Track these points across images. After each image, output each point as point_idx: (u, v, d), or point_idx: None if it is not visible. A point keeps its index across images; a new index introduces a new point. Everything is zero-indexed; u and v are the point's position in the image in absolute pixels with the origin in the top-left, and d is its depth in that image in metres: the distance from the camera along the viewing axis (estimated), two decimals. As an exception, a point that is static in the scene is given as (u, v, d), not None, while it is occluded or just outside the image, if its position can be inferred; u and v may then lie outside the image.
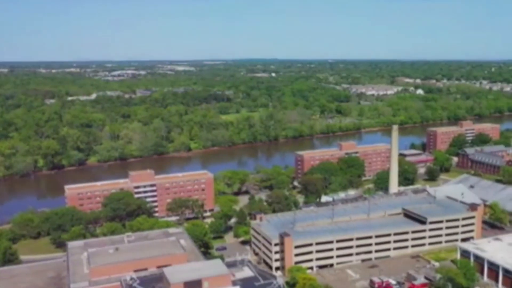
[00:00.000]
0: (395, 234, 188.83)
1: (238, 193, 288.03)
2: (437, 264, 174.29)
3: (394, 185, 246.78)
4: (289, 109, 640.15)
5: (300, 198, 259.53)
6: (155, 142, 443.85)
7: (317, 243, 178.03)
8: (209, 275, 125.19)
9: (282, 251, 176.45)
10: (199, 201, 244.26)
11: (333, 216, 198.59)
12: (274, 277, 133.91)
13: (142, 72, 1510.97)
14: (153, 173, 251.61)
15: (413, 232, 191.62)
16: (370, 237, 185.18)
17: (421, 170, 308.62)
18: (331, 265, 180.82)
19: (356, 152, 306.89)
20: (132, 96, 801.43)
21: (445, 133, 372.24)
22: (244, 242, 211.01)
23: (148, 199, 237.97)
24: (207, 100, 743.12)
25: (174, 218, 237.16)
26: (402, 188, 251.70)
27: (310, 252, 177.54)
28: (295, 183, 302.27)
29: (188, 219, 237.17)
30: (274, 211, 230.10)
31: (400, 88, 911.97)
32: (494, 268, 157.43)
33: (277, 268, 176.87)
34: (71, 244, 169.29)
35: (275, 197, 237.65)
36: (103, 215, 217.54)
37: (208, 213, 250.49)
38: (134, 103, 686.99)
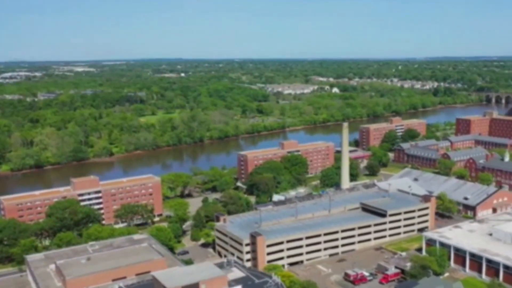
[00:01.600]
0: (359, 227, 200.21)
1: (181, 196, 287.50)
2: (404, 254, 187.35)
3: (346, 181, 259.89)
4: (209, 109, 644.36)
5: (249, 198, 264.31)
6: (74, 147, 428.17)
7: (288, 241, 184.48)
8: (206, 278, 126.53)
9: (253, 251, 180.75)
10: (149, 206, 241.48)
11: (297, 214, 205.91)
12: (269, 276, 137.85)
13: (38, 74, 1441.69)
14: (98, 179, 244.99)
15: (375, 225, 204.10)
16: (336, 232, 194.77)
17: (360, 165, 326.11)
18: (301, 261, 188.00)
19: (298, 151, 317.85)
20: (35, 99, 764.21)
21: (377, 130, 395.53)
22: (204, 245, 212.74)
23: (94, 207, 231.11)
24: (120, 102, 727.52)
25: (122, 225, 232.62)
26: (352, 184, 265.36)
27: (281, 250, 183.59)
28: (239, 184, 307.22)
29: (136, 225, 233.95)
30: (229, 213, 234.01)
31: (316, 87, 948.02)
32: (460, 254, 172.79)
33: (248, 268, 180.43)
34: (31, 258, 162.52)
35: (229, 198, 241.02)
36: (48, 226, 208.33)
37: (157, 218, 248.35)
38: (39, 107, 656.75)
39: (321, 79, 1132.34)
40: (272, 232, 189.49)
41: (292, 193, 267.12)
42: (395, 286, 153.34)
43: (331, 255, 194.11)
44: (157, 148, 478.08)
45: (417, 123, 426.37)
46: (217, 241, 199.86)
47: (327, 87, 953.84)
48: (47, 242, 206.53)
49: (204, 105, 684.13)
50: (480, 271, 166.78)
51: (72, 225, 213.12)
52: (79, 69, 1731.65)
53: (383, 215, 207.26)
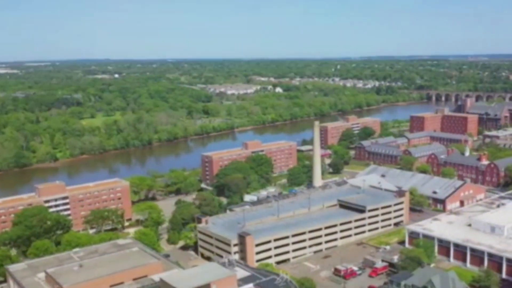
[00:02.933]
0: (341, 224, 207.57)
1: (145, 200, 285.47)
2: (388, 247, 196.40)
3: (318, 179, 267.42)
4: (153, 111, 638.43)
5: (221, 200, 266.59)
6: (16, 153, 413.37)
7: (275, 240, 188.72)
8: (216, 278, 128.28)
9: (242, 251, 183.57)
10: (119, 211, 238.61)
11: (279, 213, 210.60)
12: (275, 274, 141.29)
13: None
14: (64, 184, 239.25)
15: (355, 221, 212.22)
16: (320, 229, 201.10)
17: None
18: (288, 259, 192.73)
19: (262, 150, 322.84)
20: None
21: (334, 128, 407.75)
22: (183, 248, 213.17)
23: (61, 213, 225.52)
24: (55, 105, 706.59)
25: (91, 231, 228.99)
26: (323, 181, 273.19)
27: (269, 249, 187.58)
28: (203, 185, 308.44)
29: (106, 230, 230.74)
30: (204, 214, 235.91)
31: (258, 87, 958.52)
32: (444, 245, 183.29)
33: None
34: (13, 268, 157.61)
35: (203, 200, 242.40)
36: (17, 235, 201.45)
37: (126, 223, 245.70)
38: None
39: (262, 79, 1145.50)
40: (258, 231, 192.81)
41: (263, 193, 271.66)
42: (391, 278, 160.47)
43: (315, 252, 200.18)
44: (104, 152, 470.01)
45: (372, 121, 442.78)
46: (200, 242, 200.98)
47: (269, 87, 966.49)
48: (13, 252, 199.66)
49: (147, 107, 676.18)
50: (464, 261, 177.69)
51: (42, 233, 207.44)
52: (1, 71, 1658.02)
53: (362, 211, 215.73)
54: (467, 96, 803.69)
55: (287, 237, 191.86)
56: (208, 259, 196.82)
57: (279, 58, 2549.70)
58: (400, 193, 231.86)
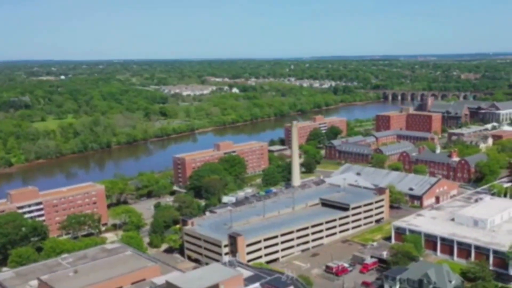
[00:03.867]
0: (327, 222, 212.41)
1: (117, 203, 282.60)
2: (375, 244, 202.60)
3: (297, 178, 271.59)
4: (109, 113, 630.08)
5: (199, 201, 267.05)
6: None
7: (265, 239, 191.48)
8: (224, 279, 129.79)
9: (232, 252, 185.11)
10: (96, 215, 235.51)
11: (265, 213, 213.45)
12: (280, 272, 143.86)
13: None
14: (37, 189, 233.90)
15: (340, 218, 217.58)
16: (307, 228, 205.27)
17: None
18: (277, 259, 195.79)
19: (234, 151, 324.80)
20: None
21: (302, 128, 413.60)
22: (167, 251, 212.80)
23: (36, 219, 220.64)
24: (3, 108, 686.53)
25: (65, 237, 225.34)
26: (301, 181, 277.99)
27: (259, 249, 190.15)
28: (176, 188, 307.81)
29: (83, 236, 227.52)
30: (184, 216, 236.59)
31: (214, 88, 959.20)
32: (431, 239, 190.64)
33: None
34: (2, 276, 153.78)
35: (182, 202, 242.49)
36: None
37: (102, 228, 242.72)
38: None
39: (217, 79, 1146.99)
40: (246, 231, 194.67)
41: (241, 193, 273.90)
42: (386, 273, 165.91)
43: (303, 250, 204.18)
44: (61, 156, 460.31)
45: (338, 121, 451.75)
46: (187, 245, 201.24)
47: (226, 87, 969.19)
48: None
49: (101, 109, 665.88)
50: (451, 254, 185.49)
51: (18, 240, 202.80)
52: None
53: (346, 209, 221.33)
54: (422, 95, 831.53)
55: (276, 237, 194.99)
56: (196, 261, 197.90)
57: (230, 58, 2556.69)
58: (380, 190, 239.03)
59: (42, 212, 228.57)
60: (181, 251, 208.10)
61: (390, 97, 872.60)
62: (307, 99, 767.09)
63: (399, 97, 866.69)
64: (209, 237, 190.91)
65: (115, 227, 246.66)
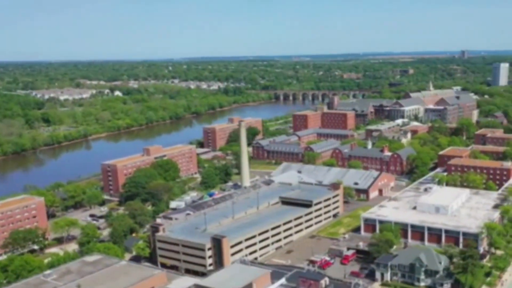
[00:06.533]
0: (295, 219, 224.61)
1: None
2: (347, 236, 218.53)
3: (246, 179, 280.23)
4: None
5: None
6: None
7: (246, 239, 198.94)
8: (255, 277, 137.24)
9: (217, 254, 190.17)
10: (39, 230, 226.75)
11: (234, 214, 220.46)
12: (297, 267, 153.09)
13: None
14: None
15: (306, 215, 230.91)
16: (279, 226, 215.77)
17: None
18: (255, 258, 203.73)
19: (164, 155, 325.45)
20: None
21: (221, 130, 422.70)
22: (134, 259, 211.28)
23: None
24: None
25: (6, 256, 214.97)
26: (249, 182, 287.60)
27: (241, 250, 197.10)
28: (106, 197, 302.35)
29: (28, 252, 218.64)
30: (140, 224, 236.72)
31: (94, 91, 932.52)
32: (402, 227, 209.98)
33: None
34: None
35: (134, 210, 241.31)
36: None
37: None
38: None
39: (93, 82, 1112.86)
40: (223, 233, 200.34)
41: (187, 198, 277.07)
42: (377, 260, 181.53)
43: (277, 248, 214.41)
44: None
45: (255, 121, 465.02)
46: (161, 252, 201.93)
47: (106, 90, 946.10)
48: None
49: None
50: (422, 240, 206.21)
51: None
52: None
53: (308, 205, 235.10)
54: (313, 94, 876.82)
55: (254, 236, 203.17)
56: (173, 268, 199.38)
57: (96, 60, 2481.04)
58: (334, 186, 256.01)
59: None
60: (150, 259, 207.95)
61: (281, 97, 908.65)
62: (200, 101, 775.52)
63: (291, 97, 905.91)
64: (190, 242, 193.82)
65: (58, 241, 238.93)
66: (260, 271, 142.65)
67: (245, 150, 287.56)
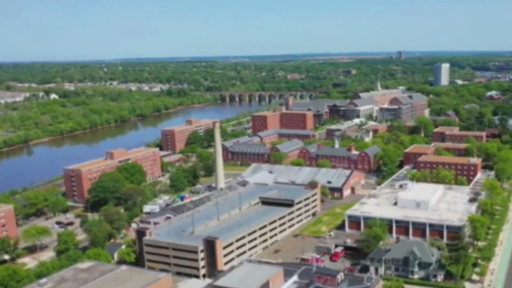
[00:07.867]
0: (279, 219, 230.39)
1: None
2: (332, 233, 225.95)
3: (221, 180, 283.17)
4: None
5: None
6: None
7: (236, 240, 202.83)
8: (271, 275, 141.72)
9: (209, 256, 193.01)
10: (11, 239, 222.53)
11: (219, 215, 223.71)
12: (307, 264, 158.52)
13: None
14: None
15: (288, 214, 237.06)
16: (265, 226, 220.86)
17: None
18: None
19: (129, 159, 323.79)
20: None
21: (180, 132, 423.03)
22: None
23: None
24: None
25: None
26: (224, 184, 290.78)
27: (232, 251, 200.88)
28: (71, 203, 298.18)
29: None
30: (117, 229, 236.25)
31: (28, 94, 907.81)
32: (386, 223, 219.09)
33: (203, 275, 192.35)
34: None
35: (111, 215, 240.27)
36: None
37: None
38: None
39: (25, 85, 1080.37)
40: (211, 235, 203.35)
41: (159, 201, 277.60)
42: (371, 255, 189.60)
43: (264, 248, 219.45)
44: None
45: (211, 123, 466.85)
46: (148, 256, 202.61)
47: (41, 93, 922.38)
48: None
49: None
50: (407, 234, 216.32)
51: None
52: None
53: (290, 205, 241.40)
54: (260, 95, 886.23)
55: (244, 237, 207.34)
56: (162, 272, 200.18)
57: (18, 61, 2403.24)
58: (312, 185, 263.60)
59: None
60: (136, 264, 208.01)
61: (228, 99, 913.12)
62: (145, 103, 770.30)
63: (237, 99, 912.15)
64: (181, 245, 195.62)
65: (29, 250, 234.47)
66: (273, 269, 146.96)
67: (220, 152, 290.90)
